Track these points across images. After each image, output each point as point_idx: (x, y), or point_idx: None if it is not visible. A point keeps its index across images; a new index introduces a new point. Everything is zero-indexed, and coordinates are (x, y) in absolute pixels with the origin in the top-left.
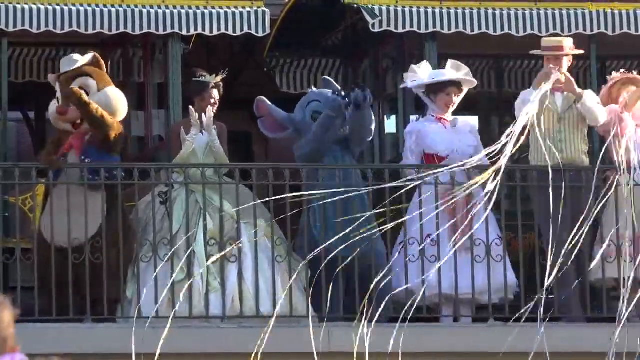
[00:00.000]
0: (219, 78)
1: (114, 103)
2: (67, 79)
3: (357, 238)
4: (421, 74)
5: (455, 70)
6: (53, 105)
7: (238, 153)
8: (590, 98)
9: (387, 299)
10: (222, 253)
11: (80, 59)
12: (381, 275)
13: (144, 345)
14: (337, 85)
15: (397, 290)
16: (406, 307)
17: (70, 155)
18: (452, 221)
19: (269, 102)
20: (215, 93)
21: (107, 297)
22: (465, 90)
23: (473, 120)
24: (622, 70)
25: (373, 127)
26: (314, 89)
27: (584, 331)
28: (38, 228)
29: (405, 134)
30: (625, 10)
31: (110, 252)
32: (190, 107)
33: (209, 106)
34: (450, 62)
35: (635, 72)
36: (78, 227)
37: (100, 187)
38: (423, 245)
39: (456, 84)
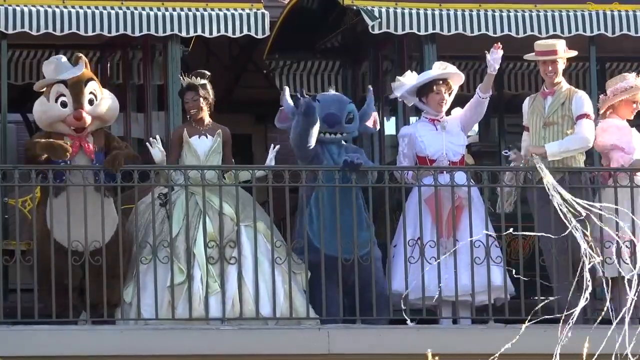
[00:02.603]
0: (186, 81)
1: (117, 107)
2: (81, 86)
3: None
4: (407, 81)
5: (442, 70)
6: (46, 105)
7: (238, 155)
8: (556, 149)
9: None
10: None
11: (81, 63)
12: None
13: (144, 347)
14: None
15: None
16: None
17: (79, 156)
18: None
19: (286, 94)
20: (191, 95)
21: (107, 300)
22: (456, 87)
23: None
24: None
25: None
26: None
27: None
28: (47, 230)
29: (398, 137)
30: (625, 11)
31: (109, 255)
32: (151, 138)
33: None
34: (437, 63)
35: (634, 76)
36: (93, 231)
37: (115, 192)
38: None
39: (444, 81)
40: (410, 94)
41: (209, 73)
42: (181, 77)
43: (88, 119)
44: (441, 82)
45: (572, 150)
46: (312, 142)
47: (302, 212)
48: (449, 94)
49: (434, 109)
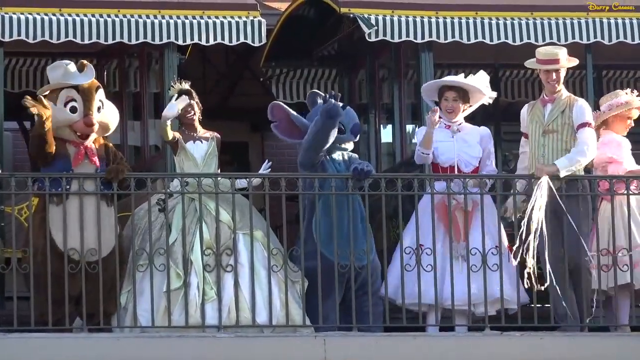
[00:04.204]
0: (177, 86)
1: (118, 116)
2: (92, 92)
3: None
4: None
5: (446, 78)
6: (53, 109)
7: (235, 162)
8: (567, 164)
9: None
10: None
11: (89, 69)
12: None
13: (140, 355)
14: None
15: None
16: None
17: (84, 164)
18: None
19: (287, 107)
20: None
21: (103, 310)
22: (475, 101)
23: (484, 130)
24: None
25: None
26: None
27: (579, 340)
28: (49, 237)
29: (415, 132)
30: (621, 19)
31: (110, 265)
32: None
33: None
34: (480, 72)
35: (627, 92)
36: (93, 240)
37: (113, 202)
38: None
39: (453, 89)
40: (431, 96)
41: (189, 82)
42: (173, 83)
43: (96, 126)
44: (450, 89)
45: (582, 163)
46: (328, 145)
47: (308, 217)
48: (463, 104)
49: (444, 114)
